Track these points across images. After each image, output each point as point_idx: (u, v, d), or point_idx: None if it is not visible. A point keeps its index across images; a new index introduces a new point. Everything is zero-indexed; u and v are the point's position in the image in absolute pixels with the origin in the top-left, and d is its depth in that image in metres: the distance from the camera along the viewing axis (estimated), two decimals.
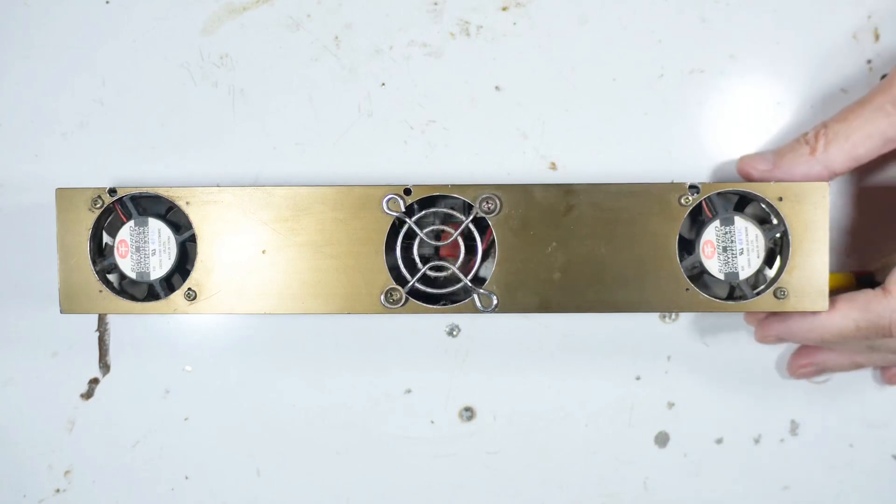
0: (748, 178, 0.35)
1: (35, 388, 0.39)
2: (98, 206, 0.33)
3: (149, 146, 0.38)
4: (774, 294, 0.33)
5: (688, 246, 0.33)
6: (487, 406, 0.39)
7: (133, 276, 0.34)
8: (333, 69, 0.37)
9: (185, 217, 0.33)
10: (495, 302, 0.33)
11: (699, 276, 0.33)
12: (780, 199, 0.32)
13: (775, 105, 0.37)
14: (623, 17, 0.37)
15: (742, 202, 0.34)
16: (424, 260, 0.33)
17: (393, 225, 0.33)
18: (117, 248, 0.34)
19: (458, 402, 0.39)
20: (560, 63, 0.37)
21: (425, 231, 0.33)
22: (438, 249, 0.34)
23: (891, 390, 0.38)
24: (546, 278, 0.33)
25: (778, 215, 0.33)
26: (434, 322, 0.38)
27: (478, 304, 0.33)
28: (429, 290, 0.33)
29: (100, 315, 0.38)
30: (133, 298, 0.34)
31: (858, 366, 0.36)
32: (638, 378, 0.38)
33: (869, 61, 0.37)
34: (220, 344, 0.39)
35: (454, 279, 0.34)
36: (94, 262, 0.33)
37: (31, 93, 0.37)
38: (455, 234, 0.33)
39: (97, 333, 0.39)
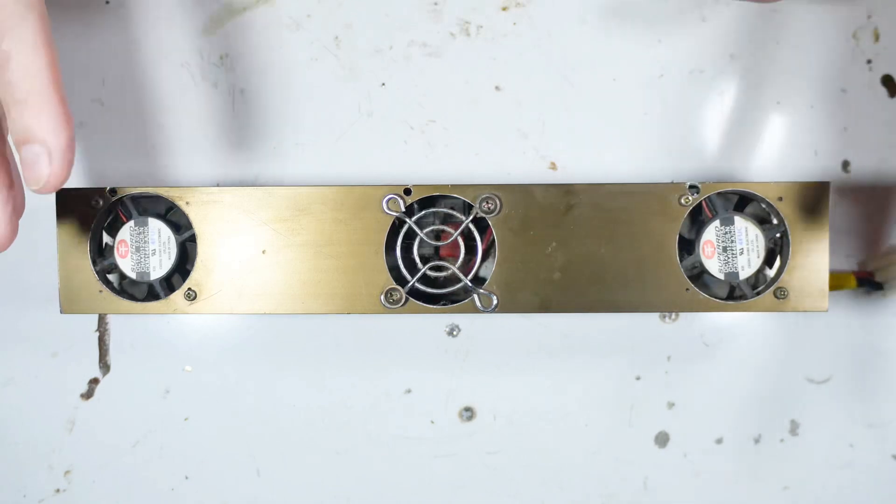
0: None
1: (35, 388, 0.39)
2: (98, 206, 0.33)
3: (149, 146, 0.38)
4: (774, 294, 0.33)
5: (688, 246, 0.33)
6: (487, 406, 0.39)
7: (133, 276, 0.34)
8: (333, 69, 0.37)
9: (185, 217, 0.33)
10: (495, 302, 0.33)
11: (699, 275, 0.33)
12: (780, 199, 0.32)
13: (775, 105, 0.37)
14: (623, 17, 0.37)
15: (742, 202, 0.34)
16: (424, 260, 0.33)
17: (393, 225, 0.33)
18: (117, 248, 0.34)
19: (458, 402, 0.39)
20: (560, 63, 0.37)
21: (425, 231, 0.33)
22: (438, 249, 0.34)
23: (891, 390, 0.38)
24: (546, 278, 0.33)
25: (778, 215, 0.33)
26: (434, 322, 0.38)
27: (478, 304, 0.33)
28: (429, 290, 0.33)
29: (100, 315, 0.38)
30: (133, 298, 0.34)
31: None
32: (638, 378, 0.38)
33: (869, 61, 0.37)
34: (220, 344, 0.39)
35: (454, 279, 0.34)
36: (94, 262, 0.33)
37: None
38: (455, 234, 0.33)
39: (97, 333, 0.39)
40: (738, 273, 0.33)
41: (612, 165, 0.37)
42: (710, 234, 0.33)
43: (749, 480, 0.39)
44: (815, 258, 0.32)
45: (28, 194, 0.34)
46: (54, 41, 0.27)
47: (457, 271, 0.33)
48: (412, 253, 0.33)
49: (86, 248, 0.33)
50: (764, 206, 0.33)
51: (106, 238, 0.34)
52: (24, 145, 0.26)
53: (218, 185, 0.36)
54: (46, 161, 0.26)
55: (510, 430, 0.39)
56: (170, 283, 0.34)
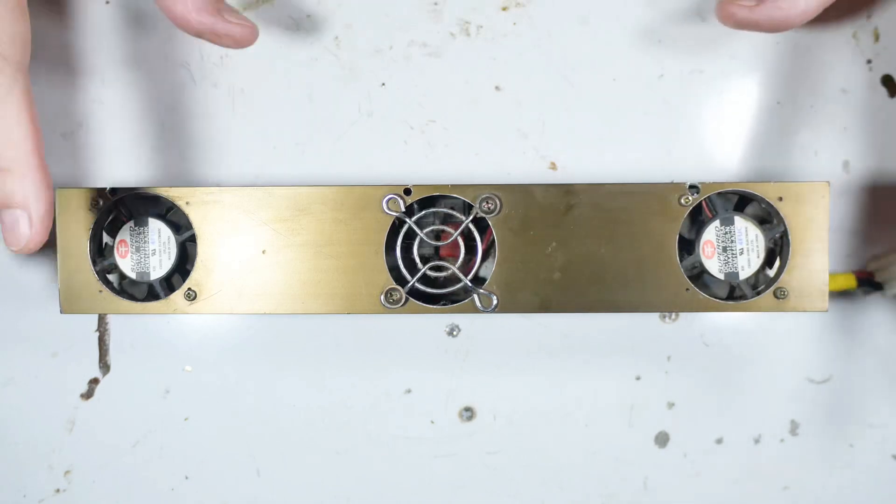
0: (732, 21, 0.32)
1: (35, 388, 0.39)
2: (98, 206, 0.33)
3: (149, 146, 0.38)
4: (774, 294, 0.33)
5: (688, 246, 0.33)
6: (487, 406, 0.39)
7: (133, 276, 0.34)
8: (333, 69, 0.37)
9: (185, 217, 0.33)
10: (495, 302, 0.33)
11: (699, 276, 0.33)
12: (780, 198, 0.32)
13: (775, 105, 0.37)
14: (623, 17, 0.37)
15: (742, 202, 0.34)
16: (424, 260, 0.33)
17: (393, 225, 0.33)
18: (117, 248, 0.34)
19: (458, 402, 0.39)
20: (560, 63, 0.37)
21: (425, 231, 0.33)
22: (438, 249, 0.34)
23: (891, 390, 0.38)
24: (546, 278, 0.33)
25: (778, 215, 0.33)
26: (434, 322, 0.38)
27: (478, 304, 0.33)
28: (429, 290, 0.33)
29: (100, 315, 0.38)
30: (133, 298, 0.34)
31: None
32: (638, 378, 0.38)
33: (869, 61, 0.37)
34: (220, 344, 0.39)
35: (454, 279, 0.34)
36: (94, 262, 0.33)
37: None
38: (455, 234, 0.33)
39: (97, 333, 0.39)
40: (738, 273, 0.33)
41: (612, 165, 0.37)
42: (710, 234, 0.33)
43: (749, 480, 0.39)
44: (815, 258, 0.32)
45: None
46: (36, 112, 0.29)
47: (457, 271, 0.33)
48: (412, 253, 0.33)
49: (86, 248, 0.33)
50: (764, 206, 0.33)
51: (106, 238, 0.34)
52: (5, 209, 0.28)
53: (218, 185, 0.36)
54: (27, 225, 0.28)
55: (510, 430, 0.39)
56: (170, 283, 0.34)
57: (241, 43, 0.32)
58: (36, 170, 0.28)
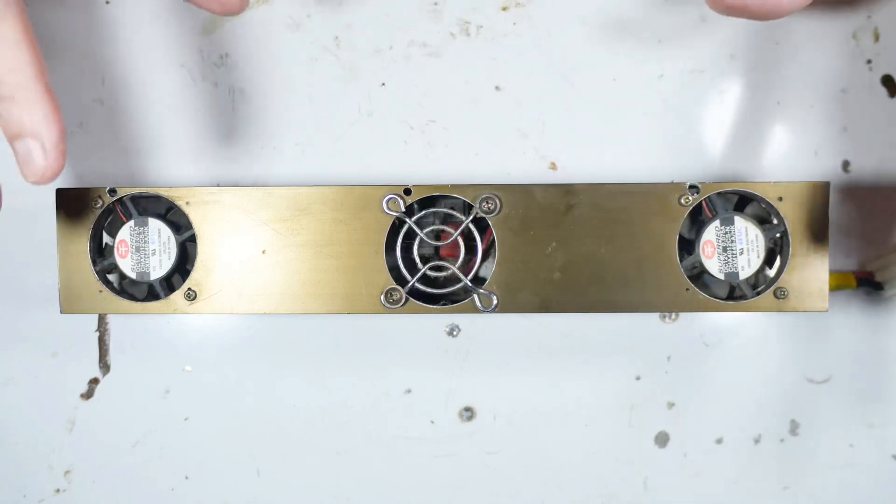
0: (721, 6, 0.30)
1: (35, 388, 0.39)
2: (98, 206, 0.33)
3: (149, 146, 0.38)
4: (774, 294, 0.33)
5: (688, 246, 0.33)
6: (487, 406, 0.39)
7: (133, 276, 0.34)
8: (333, 69, 0.37)
9: (185, 217, 0.33)
10: (495, 302, 0.33)
11: (699, 275, 0.33)
12: (780, 199, 0.32)
13: (775, 105, 0.37)
14: (623, 17, 0.37)
15: (742, 202, 0.34)
16: (424, 260, 0.34)
17: (393, 225, 0.33)
18: (117, 248, 0.34)
19: (458, 402, 0.39)
20: (560, 63, 0.37)
21: (425, 231, 0.33)
22: (438, 249, 0.34)
23: (891, 390, 0.38)
24: (546, 278, 0.33)
25: (778, 215, 0.33)
26: (434, 322, 0.38)
27: (478, 304, 0.33)
28: (429, 290, 0.33)
29: (100, 315, 0.38)
30: (133, 298, 0.34)
31: None
32: (638, 378, 0.38)
33: (869, 61, 0.37)
34: (220, 344, 0.39)
35: (454, 279, 0.34)
36: (94, 262, 0.33)
37: None
38: (455, 234, 0.33)
39: (97, 333, 0.39)
40: (738, 273, 0.33)
41: (612, 165, 0.37)
42: (710, 234, 0.33)
43: (749, 480, 0.39)
44: (815, 258, 0.32)
45: (23, 191, 0.34)
46: (34, 36, 0.27)
47: (457, 271, 0.33)
48: (412, 253, 0.33)
49: (86, 248, 0.33)
50: (764, 206, 0.33)
51: (106, 238, 0.34)
52: (17, 140, 0.27)
53: (218, 185, 0.36)
54: (41, 154, 0.27)
55: (510, 430, 0.39)
56: (170, 283, 0.34)
57: (227, 7, 0.30)
58: (42, 95, 0.27)
